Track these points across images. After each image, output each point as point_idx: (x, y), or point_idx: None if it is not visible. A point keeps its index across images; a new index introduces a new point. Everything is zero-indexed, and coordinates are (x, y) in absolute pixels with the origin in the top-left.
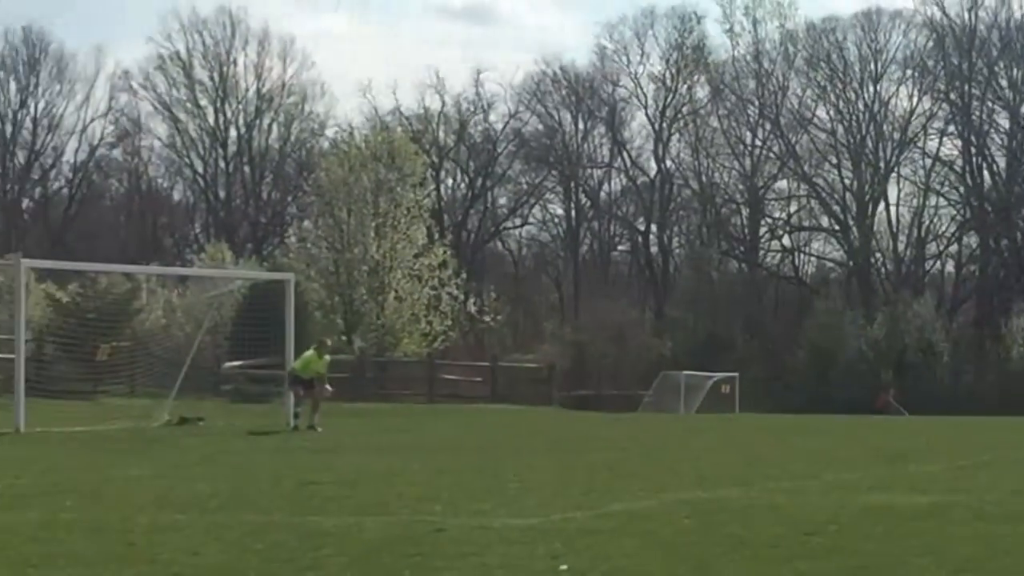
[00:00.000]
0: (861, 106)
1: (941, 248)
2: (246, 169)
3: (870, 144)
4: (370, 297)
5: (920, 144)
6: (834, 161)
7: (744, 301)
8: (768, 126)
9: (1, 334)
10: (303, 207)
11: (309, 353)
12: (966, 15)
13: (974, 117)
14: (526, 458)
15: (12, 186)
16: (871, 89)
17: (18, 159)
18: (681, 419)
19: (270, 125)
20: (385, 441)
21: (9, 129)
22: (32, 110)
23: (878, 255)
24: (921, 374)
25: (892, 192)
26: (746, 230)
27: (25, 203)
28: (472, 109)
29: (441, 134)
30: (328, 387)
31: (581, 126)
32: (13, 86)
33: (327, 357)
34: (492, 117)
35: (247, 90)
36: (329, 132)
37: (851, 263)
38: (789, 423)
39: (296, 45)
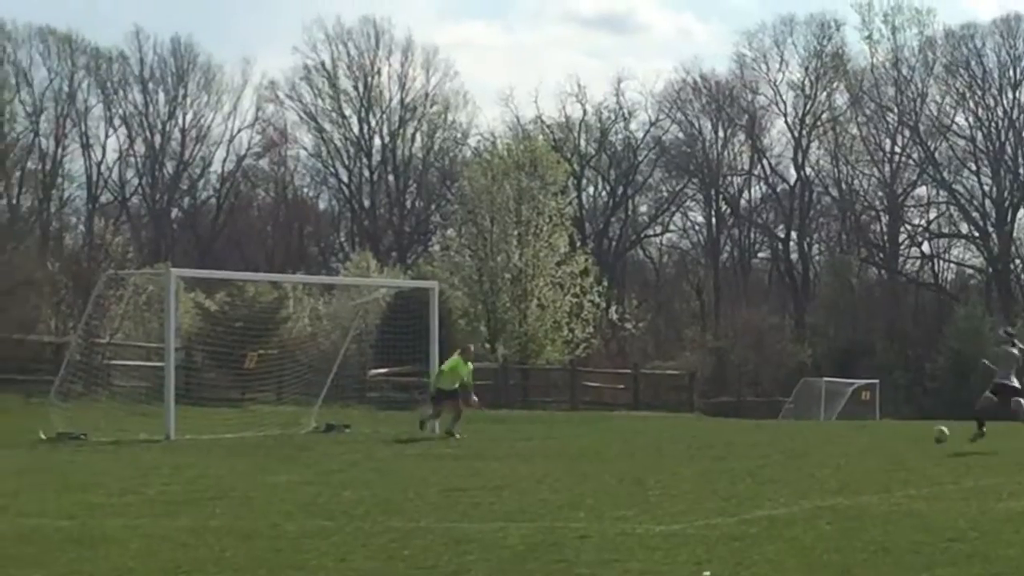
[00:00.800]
0: (1000, 113)
1: None
2: (390, 178)
3: (1009, 150)
4: (513, 305)
5: None
6: (973, 168)
7: (884, 308)
8: (907, 133)
9: (152, 343)
10: (446, 215)
11: (455, 359)
12: None
13: None
14: (668, 465)
15: (161, 196)
16: (1010, 95)
17: (167, 169)
18: (822, 425)
19: (414, 134)
20: (528, 448)
21: (158, 140)
22: (180, 121)
23: (1018, 261)
24: None
25: None
26: (885, 237)
27: (174, 213)
28: (613, 117)
29: (582, 142)
30: (474, 398)
31: (721, 134)
32: (162, 97)
33: (471, 365)
34: (633, 125)
35: (391, 100)
36: (472, 141)
37: (991, 269)
38: (929, 429)
39: (439, 55)
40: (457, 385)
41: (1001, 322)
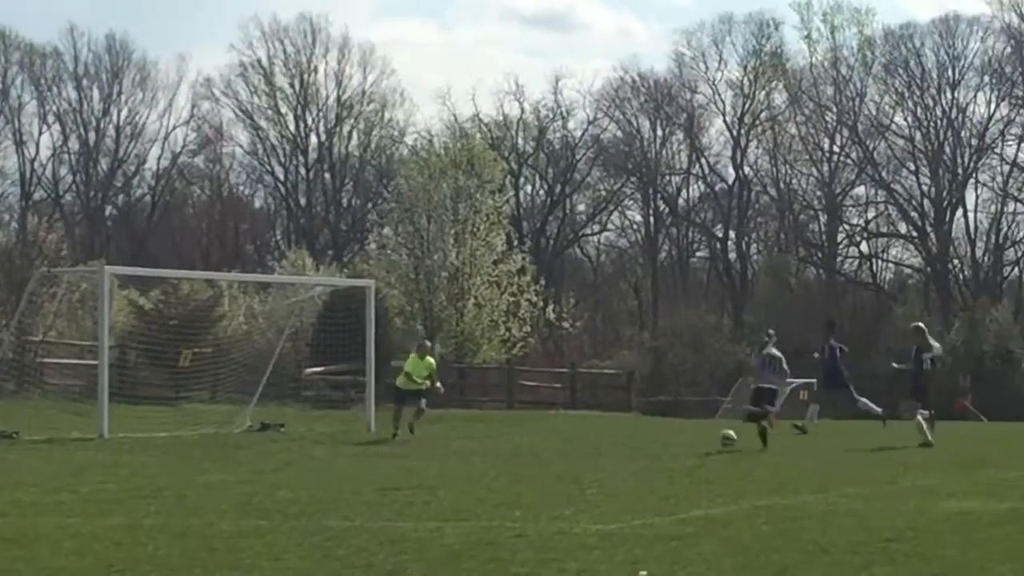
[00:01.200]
0: (939, 112)
1: (1019, 254)
2: (327, 176)
3: (948, 150)
4: (450, 303)
5: (998, 150)
6: (912, 167)
7: (822, 307)
8: (846, 132)
9: (85, 340)
10: (383, 214)
11: (412, 358)
12: None
13: None
14: (605, 464)
15: (96, 193)
16: (949, 95)
17: (101, 167)
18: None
19: (350, 132)
20: (465, 447)
21: (93, 137)
22: (115, 118)
23: (956, 261)
24: (999, 380)
25: (970, 198)
26: (824, 236)
27: (108, 210)
28: (551, 116)
29: (520, 141)
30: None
31: (659, 132)
32: (96, 94)
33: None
34: (571, 124)
35: (327, 97)
36: (409, 139)
37: (929, 269)
38: (866, 429)
39: (376, 53)
40: (424, 385)
41: (939, 322)
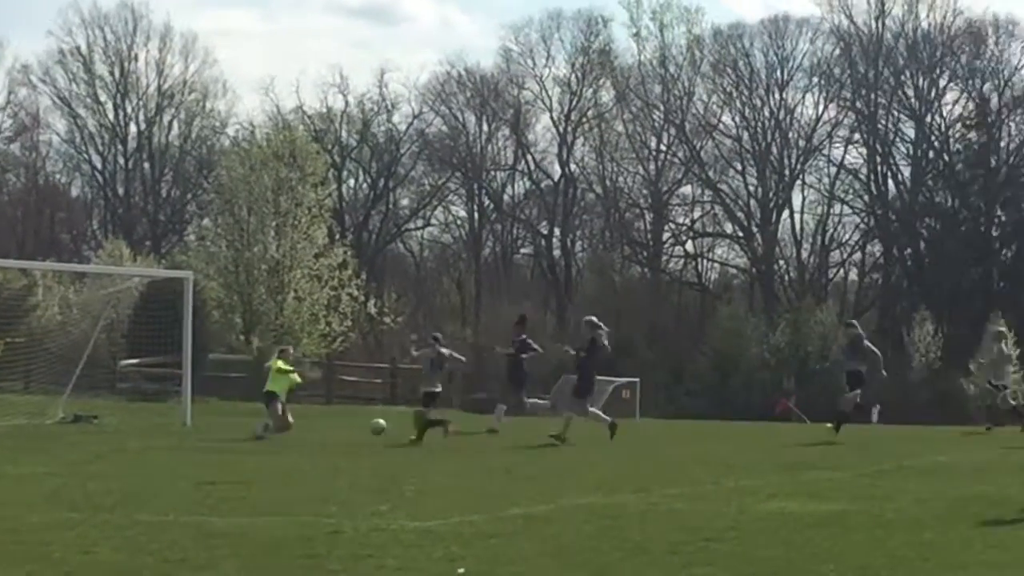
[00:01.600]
0: (767, 113)
1: (845, 256)
2: (146, 166)
3: (775, 151)
4: (269, 297)
5: (825, 152)
6: (739, 167)
7: (646, 306)
8: (673, 131)
9: None
10: (203, 205)
11: (276, 362)
12: (873, 24)
13: (879, 126)
14: (423, 461)
15: None
16: (777, 96)
17: None
18: (580, 423)
19: (171, 122)
20: (281, 441)
21: None
22: None
23: (781, 262)
24: (823, 381)
25: (796, 199)
26: (649, 235)
27: None
28: (375, 109)
29: (344, 134)
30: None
31: (485, 128)
32: None
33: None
34: (396, 118)
35: (148, 86)
36: (230, 130)
37: (754, 270)
38: (689, 429)
39: (198, 42)
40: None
41: (763, 322)
